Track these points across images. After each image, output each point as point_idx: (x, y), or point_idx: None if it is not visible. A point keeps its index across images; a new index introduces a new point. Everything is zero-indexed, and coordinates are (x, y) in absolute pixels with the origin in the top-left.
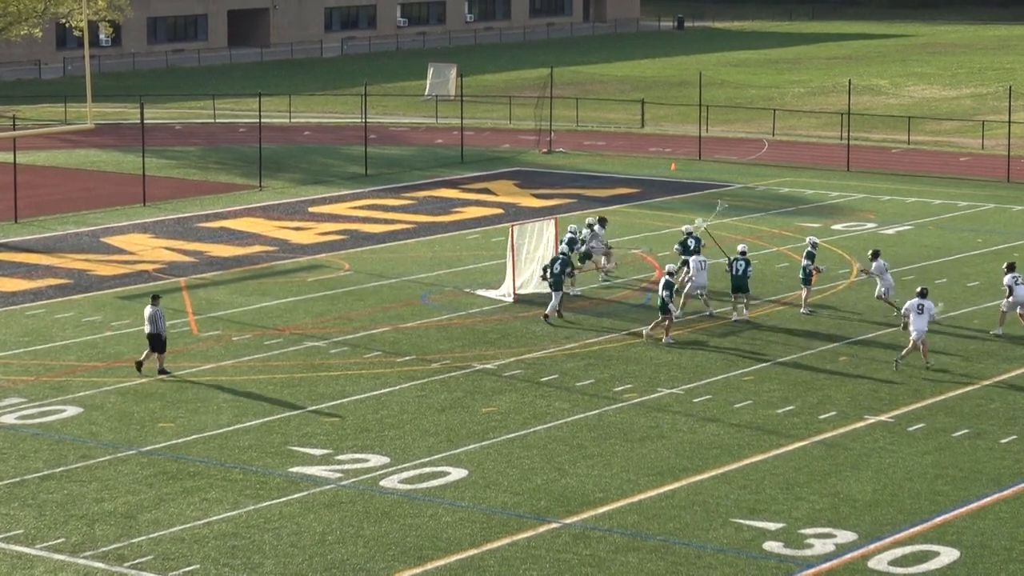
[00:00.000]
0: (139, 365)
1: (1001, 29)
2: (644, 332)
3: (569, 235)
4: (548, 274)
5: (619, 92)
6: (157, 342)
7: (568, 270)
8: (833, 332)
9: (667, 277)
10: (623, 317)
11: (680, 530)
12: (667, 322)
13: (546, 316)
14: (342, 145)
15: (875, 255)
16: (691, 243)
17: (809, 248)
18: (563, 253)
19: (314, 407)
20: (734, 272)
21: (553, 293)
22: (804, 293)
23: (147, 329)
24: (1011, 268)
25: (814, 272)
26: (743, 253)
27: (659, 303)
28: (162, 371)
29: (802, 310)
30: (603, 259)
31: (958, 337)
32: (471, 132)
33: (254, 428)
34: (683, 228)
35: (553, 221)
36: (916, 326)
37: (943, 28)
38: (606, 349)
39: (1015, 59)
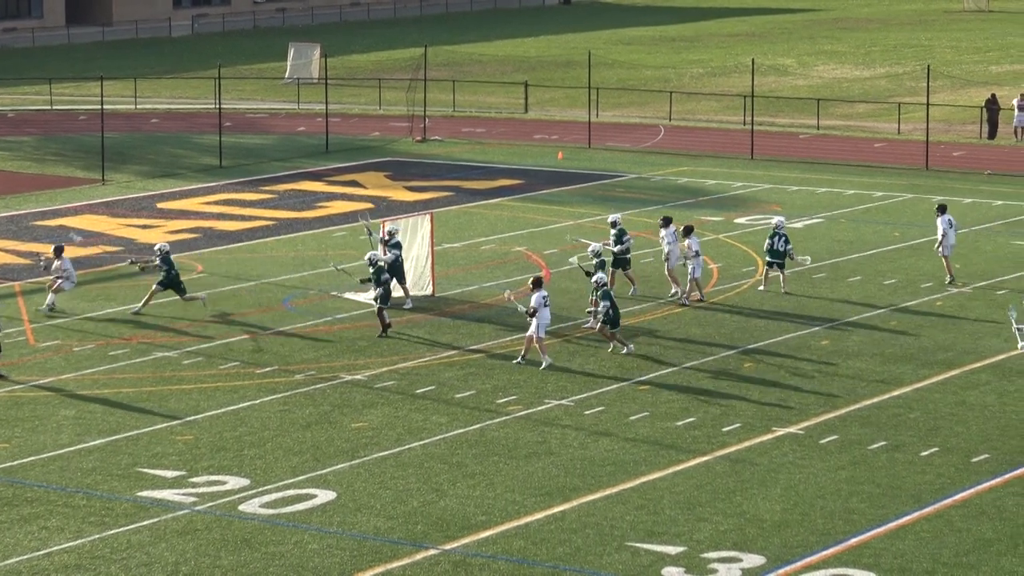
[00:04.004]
0: None
1: (918, 3)
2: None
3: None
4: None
5: (500, 74)
6: None
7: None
8: (736, 336)
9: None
10: (505, 323)
11: (571, 555)
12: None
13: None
14: (194, 134)
15: (688, 232)
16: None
17: (777, 230)
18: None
19: (165, 424)
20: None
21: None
22: (781, 276)
23: None
24: (667, 223)
25: (791, 256)
26: (598, 254)
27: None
28: None
29: (783, 289)
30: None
31: (874, 340)
32: (337, 119)
33: (98, 448)
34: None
35: (429, 216)
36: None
37: (855, 1)
38: (487, 357)
39: (933, 35)
